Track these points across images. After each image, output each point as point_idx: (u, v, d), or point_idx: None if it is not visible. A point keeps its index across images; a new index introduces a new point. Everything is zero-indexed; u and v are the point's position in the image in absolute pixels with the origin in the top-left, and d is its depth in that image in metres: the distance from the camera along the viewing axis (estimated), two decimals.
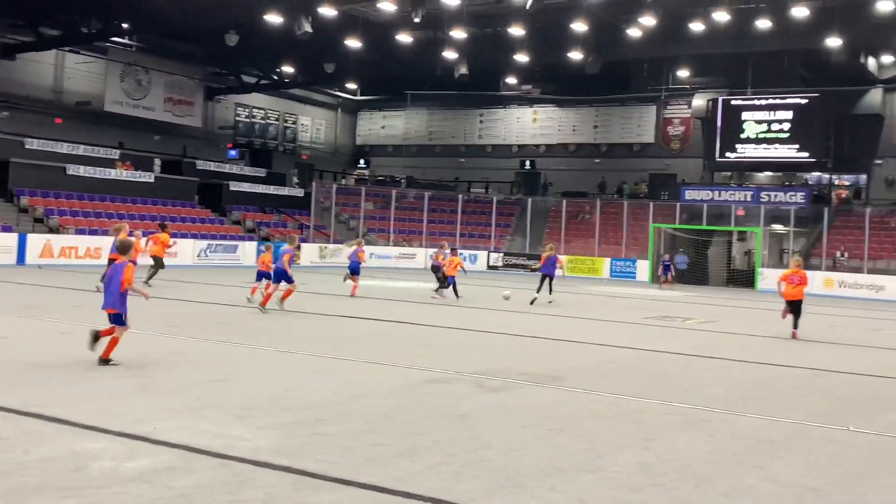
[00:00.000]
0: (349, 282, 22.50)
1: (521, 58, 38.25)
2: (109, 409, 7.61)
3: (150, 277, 21.10)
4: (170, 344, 11.91)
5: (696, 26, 34.42)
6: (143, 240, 21.51)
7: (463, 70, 39.84)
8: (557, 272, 23.37)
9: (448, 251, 24.68)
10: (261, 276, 18.37)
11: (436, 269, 24.68)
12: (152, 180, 38.13)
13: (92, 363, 9.83)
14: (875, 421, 8.91)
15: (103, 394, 8.30)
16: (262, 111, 50.74)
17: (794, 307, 17.05)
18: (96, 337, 9.83)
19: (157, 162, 40.85)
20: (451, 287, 23.14)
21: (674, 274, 35.91)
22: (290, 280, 17.33)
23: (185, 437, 6.77)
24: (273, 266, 17.56)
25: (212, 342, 12.20)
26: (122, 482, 5.58)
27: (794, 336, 16.78)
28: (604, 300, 26.07)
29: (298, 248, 29.55)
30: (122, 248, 10.88)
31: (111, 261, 21.46)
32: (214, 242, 35.08)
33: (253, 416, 7.60)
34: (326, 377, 9.85)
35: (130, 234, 23.81)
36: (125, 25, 38.21)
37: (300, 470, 6.03)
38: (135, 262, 22.21)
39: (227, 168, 43.53)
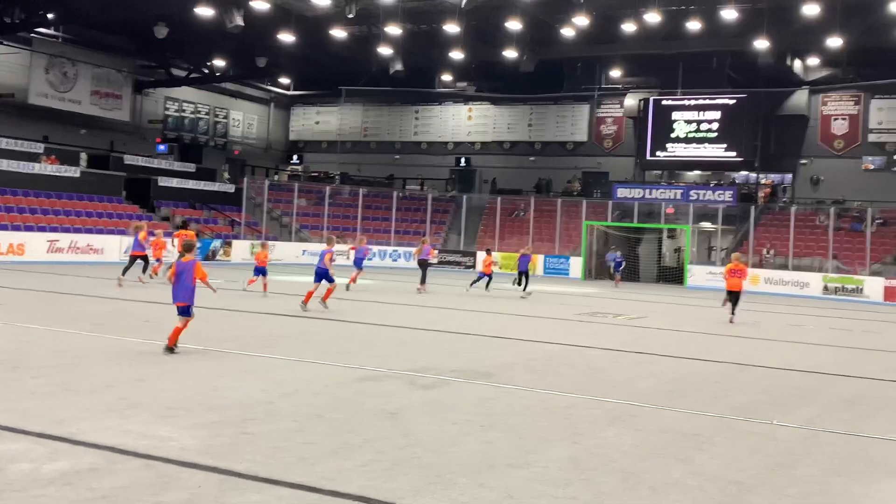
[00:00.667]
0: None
1: (457, 55, 38.32)
2: (29, 410, 7.40)
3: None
4: (94, 342, 11.62)
5: (628, 27, 34.94)
6: (168, 240, 24.18)
7: (398, 66, 39.76)
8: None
9: (429, 245, 28.30)
10: (258, 271, 20.80)
11: (422, 263, 26.76)
12: (78, 175, 37.17)
13: (11, 365, 9.55)
14: (797, 414, 9.13)
15: (23, 394, 8.07)
16: (193, 105, 49.89)
17: (733, 297, 19.82)
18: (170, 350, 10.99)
19: (84, 156, 39.82)
20: (487, 284, 26.15)
21: (620, 270, 35.73)
22: (330, 280, 17.72)
23: (109, 437, 6.62)
24: (317, 267, 18.05)
25: (137, 341, 11.95)
26: (42, 484, 5.43)
27: (731, 321, 19.24)
28: (536, 296, 26.23)
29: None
30: (188, 247, 11.99)
31: (133, 258, 22.88)
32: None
33: (179, 416, 7.46)
34: (254, 376, 9.71)
35: (151, 233, 23.60)
36: (50, 16, 37.21)
37: (227, 470, 5.93)
38: (159, 260, 22.43)
39: (155, 163, 42.63)
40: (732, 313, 19.45)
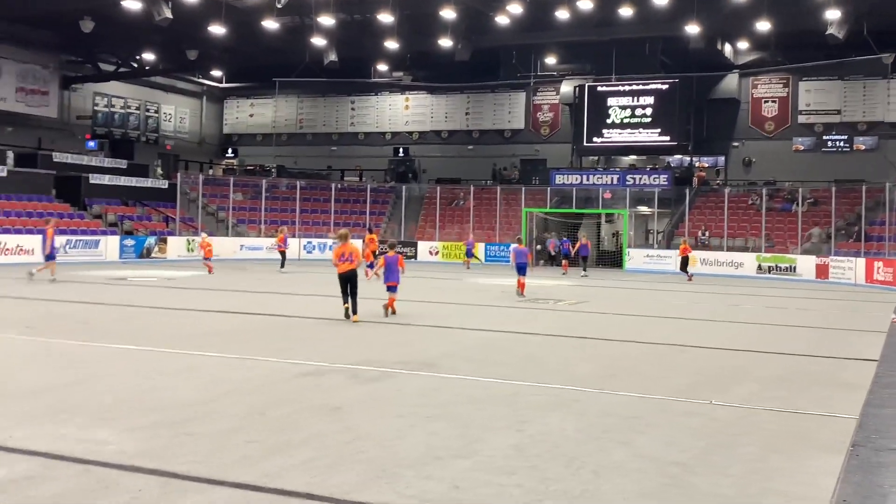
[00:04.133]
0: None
1: (392, 45, 38.17)
2: None
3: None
4: (26, 346, 11.33)
5: (562, 14, 35.15)
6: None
7: (332, 57, 39.48)
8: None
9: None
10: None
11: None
12: (5, 174, 36.11)
13: None
14: (734, 393, 9.31)
15: None
16: (122, 100, 48.84)
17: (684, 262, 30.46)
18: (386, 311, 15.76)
19: (10, 155, 38.68)
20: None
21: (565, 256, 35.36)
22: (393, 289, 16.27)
23: (44, 443, 6.46)
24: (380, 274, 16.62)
25: (70, 343, 11.67)
26: None
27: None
28: (477, 285, 26.34)
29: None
30: (393, 246, 17.85)
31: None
32: (74, 238, 33.63)
33: (116, 419, 7.31)
34: (191, 375, 9.56)
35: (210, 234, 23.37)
36: None
37: (168, 472, 5.83)
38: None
39: (85, 160, 41.61)
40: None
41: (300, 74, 45.93)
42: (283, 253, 32.39)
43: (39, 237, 32.15)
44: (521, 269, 21.91)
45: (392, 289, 15.97)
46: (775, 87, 43.77)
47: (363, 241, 30.78)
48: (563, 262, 35.35)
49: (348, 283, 15.15)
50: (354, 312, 15.02)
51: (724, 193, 40.19)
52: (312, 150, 53.18)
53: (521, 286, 21.69)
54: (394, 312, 15.94)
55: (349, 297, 15.14)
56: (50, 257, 23.65)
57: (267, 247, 40.40)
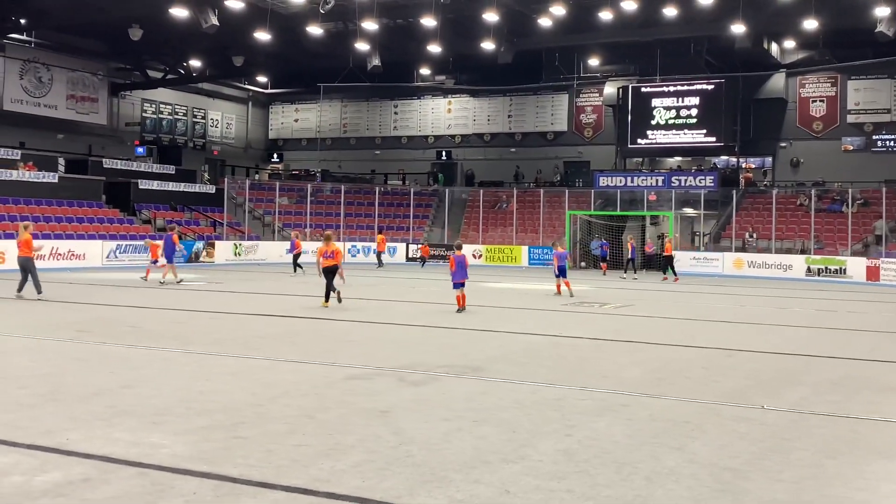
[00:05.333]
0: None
1: (434, 48, 38.26)
2: (16, 421, 7.32)
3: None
4: (78, 349, 11.54)
5: (605, 15, 34.96)
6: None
7: (375, 62, 39.67)
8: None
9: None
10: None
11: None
12: (56, 181, 36.88)
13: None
14: (785, 397, 9.17)
15: (9, 404, 7.98)
16: (170, 106, 49.62)
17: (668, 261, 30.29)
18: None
19: (62, 161, 39.53)
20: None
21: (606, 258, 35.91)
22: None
23: (99, 446, 6.56)
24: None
25: (121, 346, 11.86)
26: (35, 497, 5.37)
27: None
28: (521, 288, 26.26)
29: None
30: (459, 247, 18.95)
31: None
32: (124, 243, 34.19)
33: (168, 422, 7.41)
34: (242, 378, 9.66)
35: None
36: (23, 21, 36.87)
37: (220, 475, 5.89)
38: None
39: (134, 166, 42.35)
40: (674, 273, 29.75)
41: (344, 79, 46.28)
42: (297, 255, 31.20)
43: (98, 242, 32.85)
44: (563, 272, 22.59)
45: (459, 286, 17.59)
46: (823, 87, 43.10)
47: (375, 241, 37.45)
48: (602, 264, 35.24)
49: (333, 275, 18.15)
50: (327, 299, 17.96)
51: (772, 194, 39.66)
52: (356, 154, 53.53)
53: (564, 286, 22.40)
54: (463, 308, 17.60)
55: (330, 288, 18.04)
56: (169, 260, 25.11)
57: (312, 251, 40.64)
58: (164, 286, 23.39)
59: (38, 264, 29.47)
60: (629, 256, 33.22)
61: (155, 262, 26.26)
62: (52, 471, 5.92)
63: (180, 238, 28.35)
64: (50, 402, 8.14)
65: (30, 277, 18.84)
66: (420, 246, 40.72)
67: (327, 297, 18.01)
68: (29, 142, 39.69)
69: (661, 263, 31.81)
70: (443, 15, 35.06)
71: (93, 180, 38.96)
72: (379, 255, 37.54)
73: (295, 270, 29.94)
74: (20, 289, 18.80)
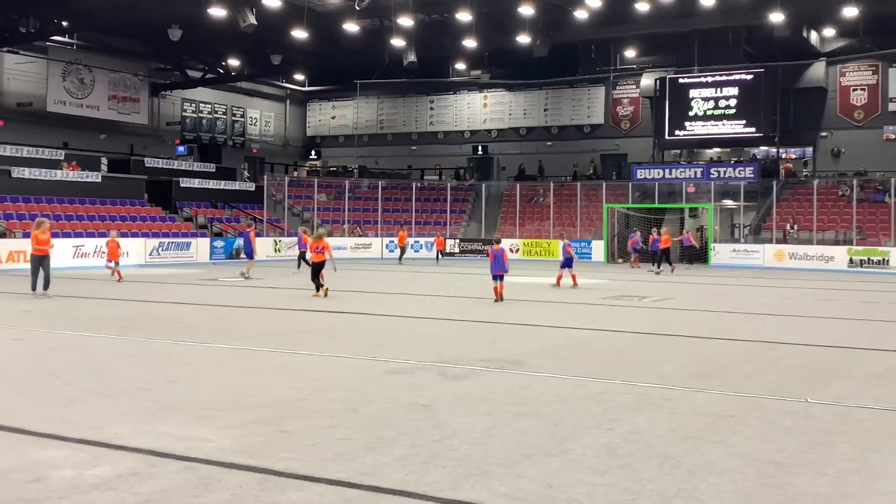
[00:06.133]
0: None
1: (470, 43, 38.23)
2: (65, 416, 7.47)
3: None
4: (123, 345, 11.74)
5: (642, 6, 34.73)
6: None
7: (411, 58, 39.74)
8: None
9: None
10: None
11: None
12: (99, 180, 37.47)
13: (45, 372, 9.69)
14: (830, 391, 9.08)
15: (58, 399, 8.15)
16: (210, 105, 50.14)
17: (666, 253, 29.88)
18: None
19: (104, 161, 40.17)
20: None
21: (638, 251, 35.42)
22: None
23: (147, 440, 6.67)
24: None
25: (166, 342, 12.05)
26: (85, 490, 5.48)
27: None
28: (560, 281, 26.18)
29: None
30: (498, 241, 20.05)
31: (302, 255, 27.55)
32: (167, 240, 34.63)
33: (214, 416, 7.52)
34: (285, 373, 9.77)
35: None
36: (64, 23, 37.45)
37: (266, 469, 5.97)
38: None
39: (175, 164, 42.91)
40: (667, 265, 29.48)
41: (380, 76, 46.45)
42: (303, 253, 30.40)
43: (142, 240, 33.32)
44: (569, 263, 23.75)
45: (499, 277, 18.58)
46: (864, 75, 42.41)
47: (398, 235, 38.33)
48: (633, 257, 35.00)
49: (319, 269, 19.41)
50: (318, 289, 19.25)
51: (813, 185, 39.14)
52: (393, 150, 53.71)
53: (572, 278, 23.29)
54: (501, 299, 18.47)
55: (316, 280, 19.36)
56: (250, 256, 25.88)
57: (350, 246, 40.97)
58: (248, 280, 24.00)
59: (83, 262, 30.19)
60: (650, 249, 32.95)
61: (113, 262, 24.73)
62: (102, 465, 6.04)
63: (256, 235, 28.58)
64: (98, 397, 8.29)
65: (41, 272, 18.58)
66: (435, 239, 39.68)
67: (318, 287, 19.34)
68: (72, 142, 40.34)
69: (661, 255, 30.81)
70: (478, 9, 35.03)
71: (135, 179, 39.53)
72: (402, 250, 37.96)
73: (299, 266, 29.91)
74: (35, 287, 18.58)
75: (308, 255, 22.53)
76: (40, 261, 18.71)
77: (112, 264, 24.83)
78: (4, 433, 6.89)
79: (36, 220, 19.97)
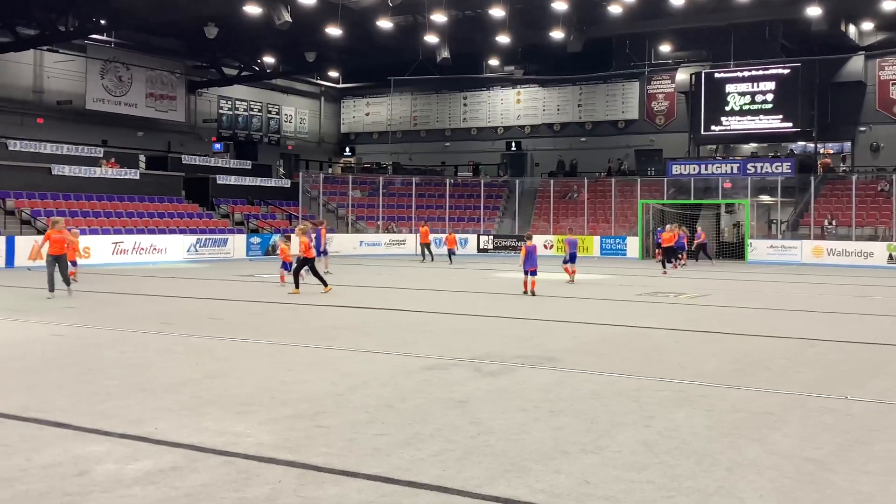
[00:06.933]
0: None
1: (503, 39, 38.17)
2: (107, 411, 7.59)
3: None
4: (162, 341, 11.88)
5: (677, 0, 34.40)
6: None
7: (445, 54, 39.73)
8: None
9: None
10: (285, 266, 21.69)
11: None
12: (138, 177, 37.94)
13: (85, 367, 9.84)
14: (869, 388, 8.98)
15: (99, 395, 8.27)
16: (245, 103, 50.53)
17: (669, 251, 29.26)
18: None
19: (142, 158, 40.68)
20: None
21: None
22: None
23: (187, 435, 6.76)
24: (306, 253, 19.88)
25: (204, 338, 12.18)
26: (127, 484, 5.57)
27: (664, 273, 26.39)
28: (594, 279, 26.10)
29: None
30: (530, 237, 20.43)
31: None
32: (204, 237, 34.97)
33: (253, 412, 7.60)
34: (321, 368, 9.84)
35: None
36: (102, 22, 37.91)
37: (304, 464, 6.03)
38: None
39: (212, 161, 43.35)
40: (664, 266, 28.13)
41: (413, 72, 46.52)
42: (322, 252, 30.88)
43: (180, 237, 33.72)
44: (573, 258, 24.17)
45: (532, 273, 19.17)
46: None
47: (419, 233, 36.18)
48: (657, 251, 34.57)
49: (303, 265, 19.82)
50: (325, 284, 19.46)
51: (852, 180, 38.63)
52: (426, 147, 53.78)
53: (571, 273, 23.70)
54: (533, 294, 18.99)
55: (307, 274, 19.88)
56: (323, 253, 26.11)
57: (385, 243, 41.11)
58: (328, 274, 24.21)
59: (122, 258, 30.61)
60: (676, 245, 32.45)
61: (73, 263, 20.47)
62: (143, 459, 6.13)
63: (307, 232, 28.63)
64: (138, 393, 8.41)
65: (57, 271, 17.95)
66: (446, 236, 36.61)
67: (324, 283, 19.61)
68: (111, 140, 40.88)
69: (666, 252, 29.91)
70: (511, 5, 34.94)
71: (173, 176, 39.97)
72: (423, 247, 35.56)
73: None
74: (53, 287, 17.86)
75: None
76: (56, 260, 18.01)
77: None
78: (48, 427, 7.01)
79: (51, 219, 19.64)
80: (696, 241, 34.42)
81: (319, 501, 5.29)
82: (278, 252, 24.61)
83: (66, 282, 18.28)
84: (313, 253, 20.18)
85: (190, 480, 5.66)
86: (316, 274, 20.00)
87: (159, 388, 8.66)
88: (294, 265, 20.50)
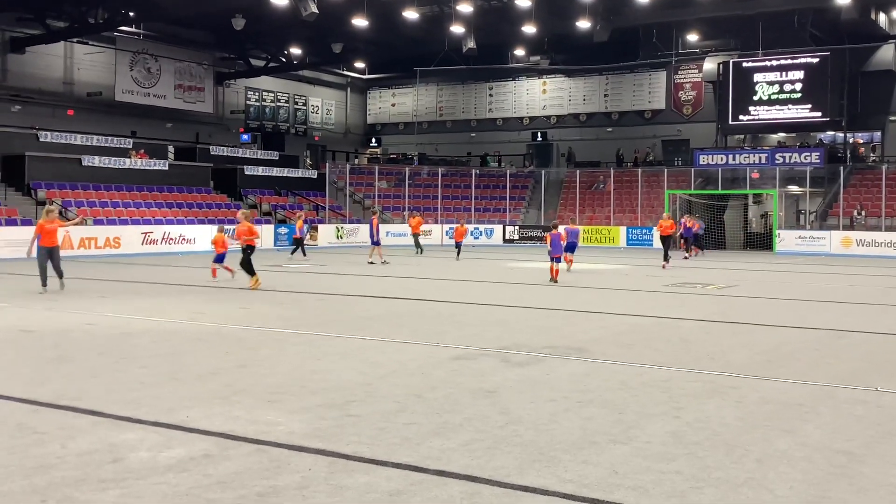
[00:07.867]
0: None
1: (529, 29, 38.06)
2: (140, 399, 7.69)
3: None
4: (194, 330, 12.00)
5: None
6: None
7: (470, 44, 39.69)
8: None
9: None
10: (219, 258, 20.38)
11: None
12: (167, 168, 38.25)
13: (118, 356, 9.96)
14: None
15: (132, 383, 8.38)
16: (272, 94, 50.74)
17: (665, 241, 27.36)
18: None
19: (171, 149, 40.99)
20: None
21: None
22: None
23: (219, 423, 6.84)
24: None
25: (235, 327, 12.29)
26: (161, 472, 5.65)
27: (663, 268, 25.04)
28: (621, 268, 26.03)
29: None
30: (555, 226, 20.70)
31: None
32: (232, 227, 35.11)
33: (283, 401, 7.67)
34: (350, 358, 9.90)
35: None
36: (132, 14, 38.21)
37: (334, 452, 6.08)
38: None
39: (240, 152, 43.60)
40: (665, 259, 26.17)
41: (439, 63, 46.48)
42: (298, 240, 30.04)
43: (208, 227, 33.96)
44: (572, 248, 23.77)
45: (556, 259, 19.89)
46: None
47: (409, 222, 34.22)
48: (682, 242, 34.33)
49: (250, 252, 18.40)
50: (253, 275, 18.02)
51: (882, 170, 38.16)
52: (452, 137, 53.75)
53: (568, 262, 23.36)
54: (554, 279, 19.75)
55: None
56: (376, 243, 26.66)
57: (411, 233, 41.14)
58: (384, 265, 24.84)
59: (151, 248, 30.86)
60: (682, 235, 32.34)
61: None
62: (176, 447, 6.21)
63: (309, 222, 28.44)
64: (170, 381, 8.51)
65: (49, 264, 16.98)
66: (455, 228, 33.02)
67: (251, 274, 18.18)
68: (140, 131, 41.21)
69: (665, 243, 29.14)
70: None
71: (201, 167, 40.25)
72: (415, 237, 32.88)
73: (298, 253, 29.29)
74: (46, 282, 16.96)
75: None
76: (49, 253, 16.99)
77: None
78: (83, 415, 7.12)
79: (45, 209, 18.42)
80: (680, 229, 33.23)
81: (349, 490, 5.34)
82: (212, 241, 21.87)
83: (59, 274, 17.11)
84: (256, 242, 18.66)
85: (222, 468, 5.73)
86: (247, 264, 18.24)
87: (190, 376, 8.76)
88: (242, 256, 18.53)
